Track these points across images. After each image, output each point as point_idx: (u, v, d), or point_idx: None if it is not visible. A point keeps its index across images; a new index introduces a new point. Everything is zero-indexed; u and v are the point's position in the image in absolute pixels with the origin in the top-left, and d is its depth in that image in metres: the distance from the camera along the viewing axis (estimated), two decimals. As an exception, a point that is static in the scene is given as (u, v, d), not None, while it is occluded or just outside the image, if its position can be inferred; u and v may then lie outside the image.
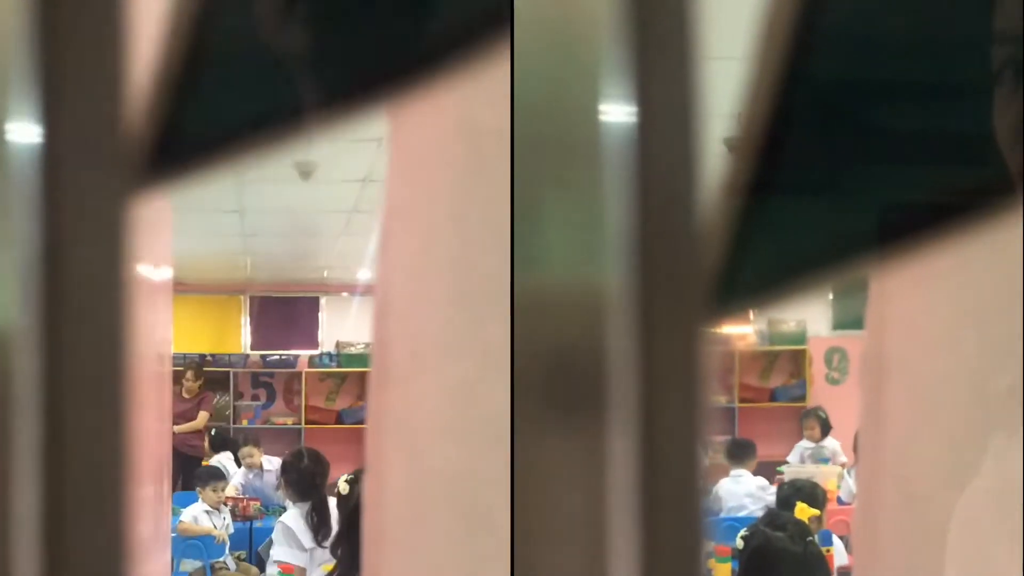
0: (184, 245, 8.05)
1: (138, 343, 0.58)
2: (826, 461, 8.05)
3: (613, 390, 0.59)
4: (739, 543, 3.80)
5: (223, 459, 7.94)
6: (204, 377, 9.57)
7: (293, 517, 5.30)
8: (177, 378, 8.86)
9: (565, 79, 0.61)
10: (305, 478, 5.32)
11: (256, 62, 0.69)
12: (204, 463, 7.86)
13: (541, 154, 0.60)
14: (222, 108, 0.70)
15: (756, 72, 0.72)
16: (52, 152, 0.58)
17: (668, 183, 0.61)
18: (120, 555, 0.58)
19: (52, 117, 0.58)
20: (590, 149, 0.60)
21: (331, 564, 5.04)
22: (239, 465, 7.80)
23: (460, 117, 0.84)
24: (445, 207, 0.86)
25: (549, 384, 0.59)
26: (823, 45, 0.74)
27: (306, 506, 5.25)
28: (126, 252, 0.57)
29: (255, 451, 7.66)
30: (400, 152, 0.92)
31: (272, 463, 7.57)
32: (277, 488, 7.11)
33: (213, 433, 8.73)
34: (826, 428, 8.43)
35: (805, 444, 8.40)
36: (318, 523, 5.23)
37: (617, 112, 0.61)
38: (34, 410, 0.58)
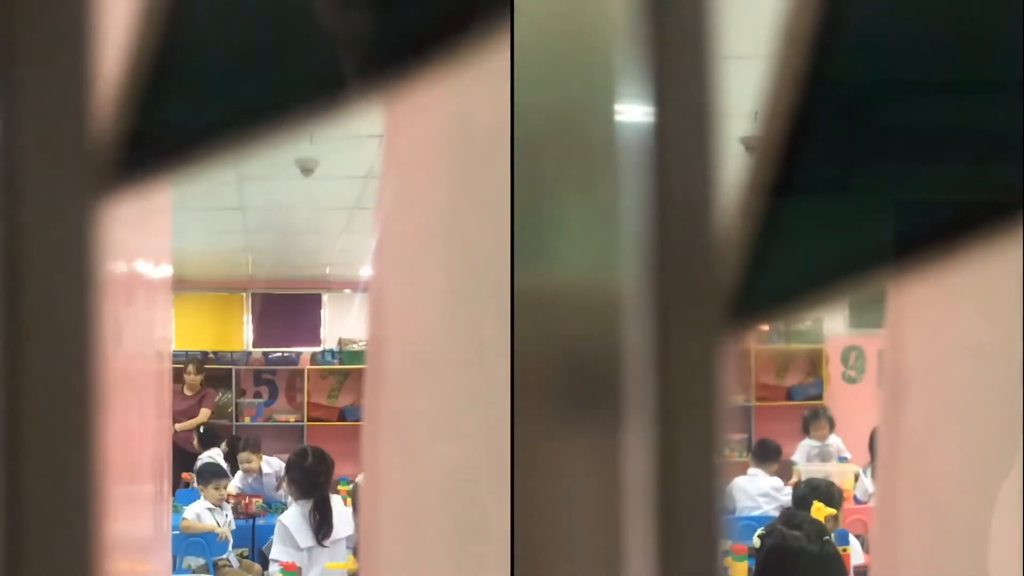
0: (185, 243, 8.06)
1: (134, 342, 0.56)
2: (841, 460, 8.05)
3: (628, 390, 0.59)
4: (756, 542, 3.80)
5: (213, 454, 7.92)
6: (205, 372, 9.57)
7: (291, 516, 5.30)
8: (178, 375, 8.86)
9: (572, 76, 0.60)
10: (309, 476, 5.31)
11: (233, 56, 0.66)
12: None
13: (543, 152, 0.59)
14: (197, 106, 0.67)
15: (777, 70, 0.70)
16: (13, 153, 0.55)
17: (685, 182, 0.61)
18: (86, 558, 0.56)
19: (12, 116, 0.56)
20: (602, 148, 0.60)
21: (332, 562, 5.06)
22: (226, 460, 7.76)
23: (458, 113, 0.82)
24: (443, 204, 0.85)
25: (561, 384, 0.59)
26: (846, 42, 0.72)
27: (308, 504, 5.25)
28: (93, 255, 0.55)
29: (253, 457, 7.62)
30: (396, 149, 0.90)
31: (271, 465, 7.57)
32: (277, 489, 7.12)
33: (202, 431, 8.72)
34: (832, 427, 8.45)
35: (811, 443, 8.40)
36: (319, 522, 5.23)
37: (632, 111, 0.60)
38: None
